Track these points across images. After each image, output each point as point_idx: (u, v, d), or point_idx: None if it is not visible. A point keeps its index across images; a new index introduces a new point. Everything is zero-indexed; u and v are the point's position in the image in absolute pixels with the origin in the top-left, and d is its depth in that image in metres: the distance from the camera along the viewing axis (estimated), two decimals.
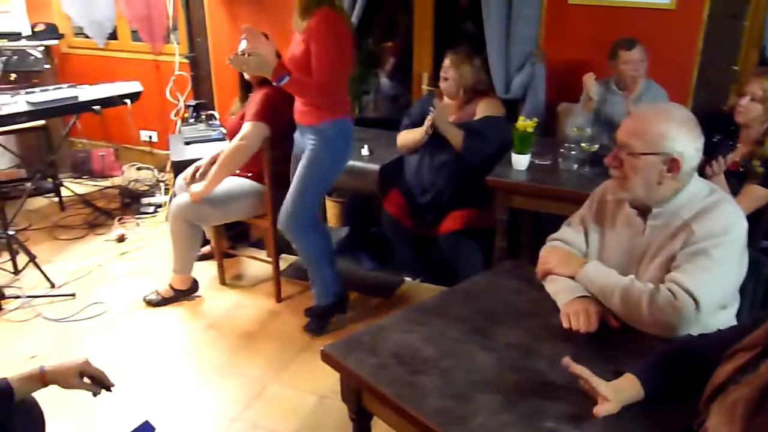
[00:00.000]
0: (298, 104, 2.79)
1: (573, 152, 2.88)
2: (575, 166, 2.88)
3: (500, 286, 1.89)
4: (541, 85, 3.49)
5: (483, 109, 3.17)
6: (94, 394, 1.71)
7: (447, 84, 3.21)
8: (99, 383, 1.70)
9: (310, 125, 2.75)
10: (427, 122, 3.11)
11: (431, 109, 3.15)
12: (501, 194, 2.89)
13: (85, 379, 1.69)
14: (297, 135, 2.91)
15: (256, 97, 3.01)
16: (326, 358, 1.57)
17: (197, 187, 3.04)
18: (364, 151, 3.49)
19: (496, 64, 3.53)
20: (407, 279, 3.52)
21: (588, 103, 3.15)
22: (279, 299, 3.31)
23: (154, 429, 1.72)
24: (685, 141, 1.58)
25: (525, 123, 2.85)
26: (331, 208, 4.08)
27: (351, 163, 3.09)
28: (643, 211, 1.70)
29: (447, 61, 3.19)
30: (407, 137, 3.30)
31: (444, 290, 2.12)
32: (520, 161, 2.90)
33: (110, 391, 1.73)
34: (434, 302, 1.83)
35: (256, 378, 2.73)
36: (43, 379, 1.64)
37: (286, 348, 2.93)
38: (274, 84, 2.62)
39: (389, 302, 3.31)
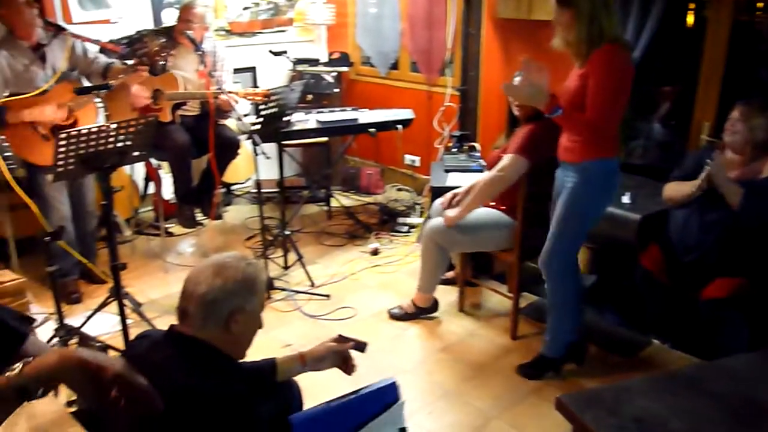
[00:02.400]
0: (564, 140, 2.74)
1: None
2: None
3: None
4: None
5: None
6: (359, 349, 1.96)
7: (733, 138, 2.91)
8: (356, 347, 1.96)
9: (573, 162, 2.69)
10: (703, 176, 2.85)
11: (708, 162, 2.88)
12: None
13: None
14: (558, 172, 2.86)
15: (521, 132, 3.05)
16: (561, 407, 1.52)
17: (452, 212, 3.16)
18: (626, 199, 3.31)
19: None
20: (655, 341, 3.24)
21: None
22: (514, 336, 3.28)
23: (398, 389, 1.79)
24: None
25: None
26: (581, 253, 3.92)
27: (610, 209, 2.95)
28: None
29: (736, 113, 2.90)
30: (677, 189, 3.05)
31: (699, 362, 1.92)
32: None
33: (363, 348, 1.96)
34: (688, 373, 1.67)
35: (481, 410, 2.73)
36: (302, 358, 1.86)
37: (515, 387, 2.89)
38: (545, 116, 2.62)
39: (630, 362, 3.08)
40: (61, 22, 3.58)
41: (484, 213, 3.21)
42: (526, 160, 2.98)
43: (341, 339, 2.00)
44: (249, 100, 3.78)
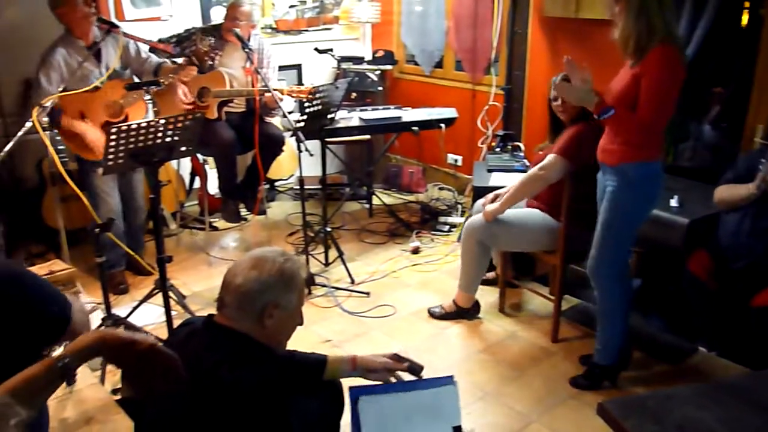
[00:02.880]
0: (603, 142, 2.69)
1: None
2: None
3: None
4: None
5: None
6: (413, 372, 1.87)
7: None
8: (410, 369, 1.87)
9: (612, 165, 2.64)
10: (758, 180, 2.76)
11: (762, 165, 2.79)
12: None
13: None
14: (599, 175, 2.82)
15: (567, 133, 3.01)
16: (603, 413, 1.49)
17: (490, 207, 3.15)
18: (673, 202, 3.23)
19: None
20: (701, 349, 3.16)
21: None
22: (555, 339, 3.24)
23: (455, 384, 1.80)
24: None
25: None
26: None
27: (656, 212, 2.89)
28: None
29: None
30: (728, 193, 2.97)
31: (749, 372, 1.86)
32: None
33: (419, 371, 1.88)
34: (736, 382, 1.63)
35: (520, 413, 2.71)
36: (353, 363, 1.84)
37: (555, 390, 2.85)
38: (590, 118, 2.58)
39: (675, 369, 3.01)
40: (113, 20, 3.66)
41: (526, 212, 3.18)
42: (568, 161, 2.95)
43: (397, 358, 1.93)
44: (293, 97, 3.82)
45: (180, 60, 3.70)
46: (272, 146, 4.15)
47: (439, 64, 5.34)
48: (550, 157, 2.99)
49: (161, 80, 3.46)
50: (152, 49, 3.80)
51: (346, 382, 1.88)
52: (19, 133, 3.07)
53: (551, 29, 4.38)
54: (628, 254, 2.85)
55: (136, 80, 3.68)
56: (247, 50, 3.71)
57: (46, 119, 3.19)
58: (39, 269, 3.12)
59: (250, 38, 4.03)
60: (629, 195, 2.63)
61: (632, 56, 2.52)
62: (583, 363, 2.98)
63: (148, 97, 3.77)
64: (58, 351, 1.20)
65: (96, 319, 3.11)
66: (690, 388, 1.59)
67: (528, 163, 3.93)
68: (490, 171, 3.97)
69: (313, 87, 3.54)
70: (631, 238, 2.77)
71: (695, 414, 1.45)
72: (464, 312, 3.42)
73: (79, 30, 3.43)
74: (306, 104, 3.47)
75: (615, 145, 2.62)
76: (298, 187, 3.79)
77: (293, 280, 1.69)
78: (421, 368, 1.90)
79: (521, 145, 4.40)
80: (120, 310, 3.18)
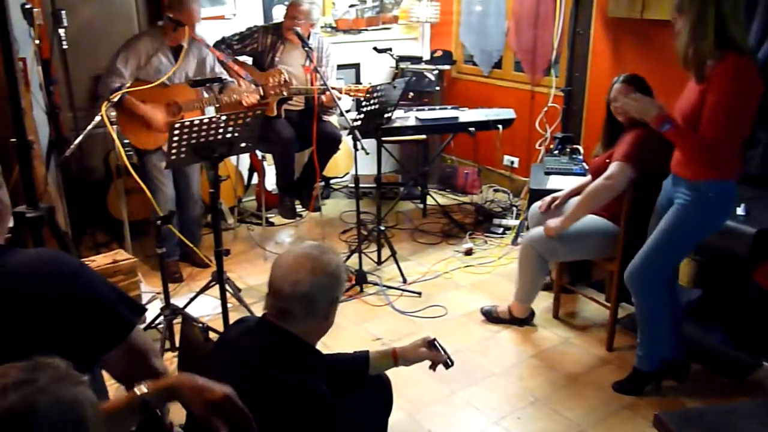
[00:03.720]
0: (679, 154, 2.58)
1: None
2: None
3: None
4: None
5: None
6: (446, 366, 2.01)
7: None
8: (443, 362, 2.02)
9: (686, 178, 2.53)
10: None
11: None
12: None
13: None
14: (667, 183, 2.71)
15: (628, 137, 2.92)
16: (660, 425, 1.45)
17: (553, 222, 3.07)
18: (740, 211, 3.10)
19: None
20: (766, 364, 3.03)
21: None
22: (610, 348, 3.16)
23: None
24: None
25: None
26: (685, 265, 3.73)
27: None
28: None
29: None
30: None
31: None
32: None
33: (450, 365, 2.01)
34: None
35: (571, 421, 2.65)
36: (394, 355, 1.90)
37: (609, 400, 2.79)
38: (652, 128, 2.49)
39: (736, 384, 2.89)
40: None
41: (587, 220, 3.10)
42: (634, 168, 2.85)
43: (430, 345, 2.05)
44: (351, 95, 3.85)
45: (241, 57, 3.80)
46: (329, 144, 4.19)
47: (497, 65, 5.28)
48: (614, 165, 2.89)
49: (224, 78, 3.57)
50: (225, 67, 3.92)
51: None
52: (89, 127, 3.21)
53: (615, 30, 4.28)
54: (676, 270, 2.76)
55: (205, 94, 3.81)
56: (306, 49, 3.76)
57: (113, 101, 3.33)
58: (104, 258, 3.24)
59: (309, 37, 4.08)
60: (699, 212, 2.53)
61: (695, 74, 2.40)
62: (628, 381, 2.91)
63: (212, 109, 3.88)
64: (142, 389, 1.24)
65: (155, 308, 3.22)
66: (753, 403, 1.53)
67: (587, 166, 3.85)
68: (547, 174, 3.91)
69: (371, 86, 3.56)
70: (684, 255, 2.67)
71: (759, 430, 1.39)
72: (518, 321, 3.37)
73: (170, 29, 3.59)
74: (363, 103, 3.49)
75: (687, 159, 2.52)
76: (353, 185, 3.82)
77: (341, 271, 1.73)
78: (453, 363, 2.06)
79: (580, 148, 4.31)
80: (178, 300, 3.27)
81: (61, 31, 3.42)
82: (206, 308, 3.42)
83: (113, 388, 1.69)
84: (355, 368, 1.96)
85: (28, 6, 3.22)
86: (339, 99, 3.69)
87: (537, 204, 3.38)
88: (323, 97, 3.92)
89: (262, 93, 3.84)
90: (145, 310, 1.59)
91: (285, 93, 3.89)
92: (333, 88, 3.76)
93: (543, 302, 3.53)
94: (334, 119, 4.45)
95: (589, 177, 3.27)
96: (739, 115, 2.34)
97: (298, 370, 1.61)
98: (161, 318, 3.06)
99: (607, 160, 2.99)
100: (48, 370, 0.88)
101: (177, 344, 2.99)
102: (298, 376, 1.59)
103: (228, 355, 1.69)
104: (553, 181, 3.76)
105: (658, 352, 2.78)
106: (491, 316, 3.41)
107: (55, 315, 1.29)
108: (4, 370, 0.87)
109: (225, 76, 3.87)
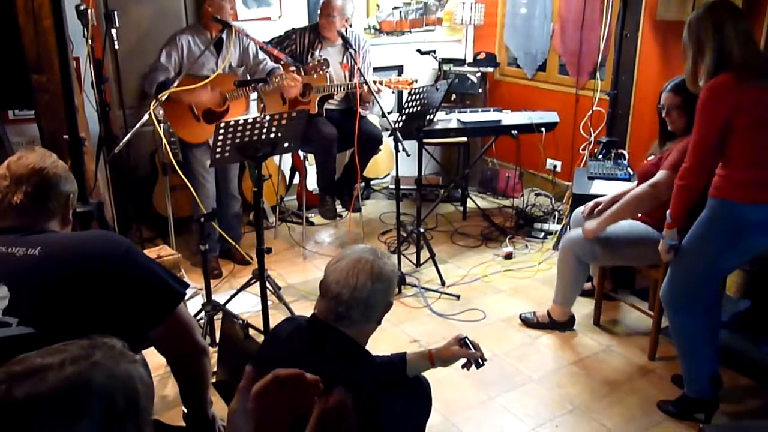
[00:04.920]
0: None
1: None
2: None
3: None
4: None
5: None
6: (477, 365, 2.01)
7: None
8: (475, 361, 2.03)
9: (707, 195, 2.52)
10: None
11: None
12: None
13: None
14: None
15: (678, 146, 2.85)
16: None
17: (591, 224, 3.02)
18: None
19: None
20: None
21: None
22: (652, 357, 3.09)
23: None
24: None
25: None
26: (734, 276, 3.62)
27: None
28: None
29: None
30: None
31: None
32: None
33: (482, 364, 2.03)
34: None
35: (611, 431, 2.61)
36: (430, 356, 1.93)
37: (650, 410, 2.73)
38: None
39: None
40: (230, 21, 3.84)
41: (628, 225, 3.04)
42: None
43: (461, 343, 2.07)
44: (392, 88, 3.85)
45: (292, 68, 3.86)
46: (370, 145, 4.20)
47: (542, 68, 5.22)
48: (661, 173, 2.84)
49: (267, 78, 3.61)
50: (267, 53, 3.98)
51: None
52: (137, 125, 3.28)
53: (663, 33, 4.19)
54: (704, 290, 2.58)
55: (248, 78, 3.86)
56: (351, 50, 3.79)
57: (161, 100, 3.40)
58: (149, 253, 3.32)
59: (345, 32, 4.10)
60: (705, 231, 2.50)
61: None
62: (675, 382, 2.83)
63: (255, 96, 3.92)
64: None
65: (197, 304, 3.27)
66: None
67: (632, 172, 3.78)
68: (591, 178, 3.85)
69: (413, 79, 3.55)
70: (705, 276, 2.55)
71: None
72: (558, 325, 3.33)
73: (209, 22, 3.68)
74: (405, 104, 3.49)
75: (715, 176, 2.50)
76: (393, 186, 3.82)
77: (395, 276, 1.76)
78: (485, 362, 2.07)
79: (625, 152, 4.23)
80: (218, 297, 3.33)
81: (113, 32, 3.52)
82: (247, 305, 3.47)
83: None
84: (393, 369, 1.97)
85: (82, 7, 3.32)
86: (378, 92, 3.71)
87: (579, 209, 3.33)
88: (361, 91, 3.94)
89: (302, 73, 3.87)
90: (188, 285, 1.72)
91: (322, 72, 3.90)
92: (375, 81, 3.79)
93: (584, 309, 3.47)
94: (375, 119, 4.46)
95: (634, 183, 3.21)
96: (700, 137, 2.39)
97: (352, 369, 1.63)
98: (202, 313, 3.11)
99: (655, 166, 2.93)
100: (104, 347, 0.94)
101: (217, 340, 3.04)
102: (350, 373, 1.60)
103: (281, 353, 1.71)
104: (597, 186, 3.70)
105: (705, 377, 2.61)
106: (530, 322, 3.37)
107: (113, 287, 1.45)
108: (64, 345, 0.93)
109: (268, 61, 3.94)
